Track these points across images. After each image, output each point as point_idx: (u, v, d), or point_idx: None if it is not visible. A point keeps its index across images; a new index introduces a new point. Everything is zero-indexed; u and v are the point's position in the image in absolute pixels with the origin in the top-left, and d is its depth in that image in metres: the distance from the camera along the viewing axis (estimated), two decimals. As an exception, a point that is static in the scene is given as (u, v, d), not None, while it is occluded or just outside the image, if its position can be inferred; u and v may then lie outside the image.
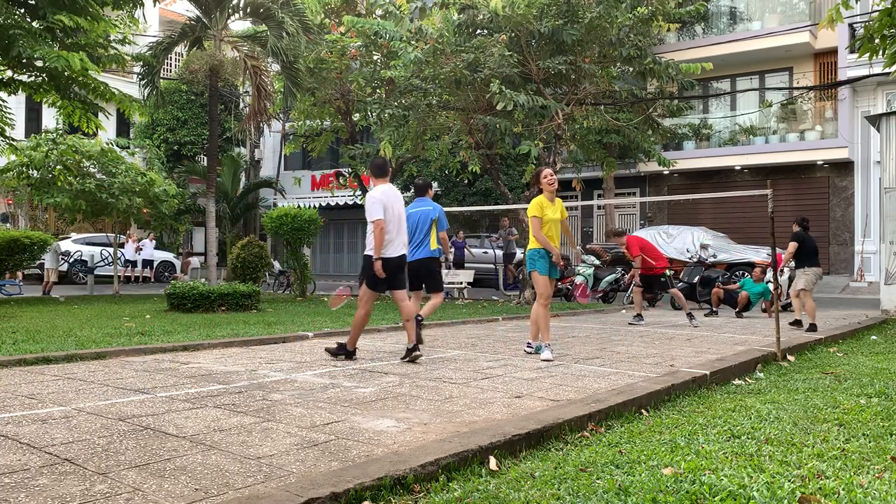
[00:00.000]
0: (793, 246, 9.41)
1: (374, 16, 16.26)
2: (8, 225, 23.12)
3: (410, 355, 6.18)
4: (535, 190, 6.72)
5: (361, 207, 23.06)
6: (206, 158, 24.60)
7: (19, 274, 18.16)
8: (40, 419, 3.84)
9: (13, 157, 14.49)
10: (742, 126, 21.21)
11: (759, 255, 15.84)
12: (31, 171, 14.75)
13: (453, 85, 12.94)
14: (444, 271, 17.12)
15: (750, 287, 11.93)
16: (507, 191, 15.05)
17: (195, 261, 26.12)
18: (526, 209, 8.07)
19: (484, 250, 20.48)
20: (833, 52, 19.69)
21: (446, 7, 13.32)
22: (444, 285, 16.39)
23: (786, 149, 20.13)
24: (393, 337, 8.34)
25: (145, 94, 16.33)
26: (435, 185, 24.03)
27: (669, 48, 20.99)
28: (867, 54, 8.45)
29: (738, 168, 21.08)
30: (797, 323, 9.44)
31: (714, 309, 12.03)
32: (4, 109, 13.05)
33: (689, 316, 10.04)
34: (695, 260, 13.99)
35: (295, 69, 15.36)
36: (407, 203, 7.16)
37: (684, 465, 3.06)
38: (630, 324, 10.14)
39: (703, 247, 14.59)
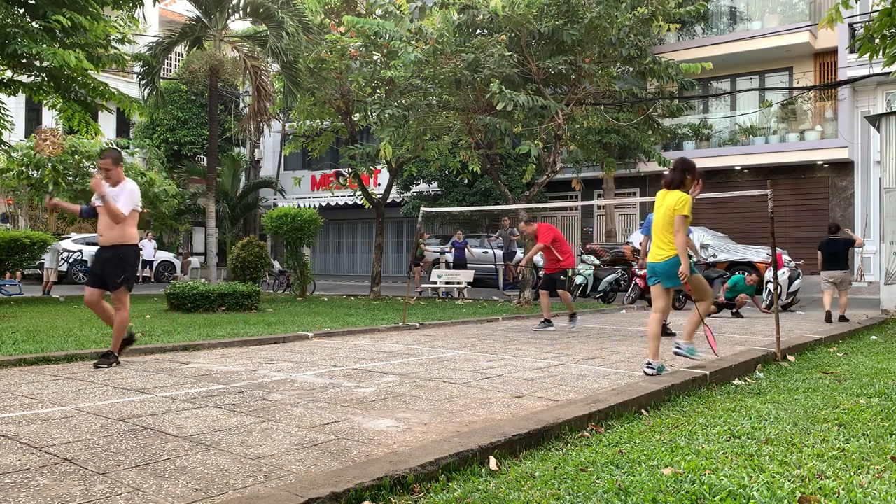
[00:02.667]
0: (819, 255, 11.07)
1: (374, 16, 16.25)
2: (8, 225, 23.12)
3: (107, 360, 5.79)
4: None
5: (361, 207, 23.00)
6: (206, 158, 24.61)
7: (18, 274, 18.17)
8: (40, 419, 3.84)
9: (11, 158, 14.48)
10: (742, 126, 21.21)
11: (759, 255, 15.84)
12: (30, 172, 14.74)
13: (453, 85, 12.94)
14: (444, 271, 17.20)
15: (743, 287, 11.99)
16: (507, 191, 15.03)
17: (195, 261, 26.13)
18: (526, 209, 8.13)
19: (484, 250, 20.49)
20: (833, 52, 19.69)
21: (446, 7, 13.32)
22: (445, 285, 16.56)
23: (786, 149, 20.14)
24: (393, 337, 8.34)
25: (145, 94, 16.33)
26: (434, 184, 24.15)
27: (669, 48, 20.99)
28: (867, 54, 8.45)
29: (738, 168, 21.08)
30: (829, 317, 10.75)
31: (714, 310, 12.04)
32: (3, 111, 13.04)
33: (545, 322, 9.38)
34: (695, 260, 13.99)
35: (295, 69, 15.36)
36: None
37: (684, 465, 3.05)
38: (535, 329, 9.23)
39: (703, 247, 14.59)
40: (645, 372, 5.39)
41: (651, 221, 6.23)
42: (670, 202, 5.57)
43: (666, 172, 5.65)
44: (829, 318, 10.58)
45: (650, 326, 5.52)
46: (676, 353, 5.81)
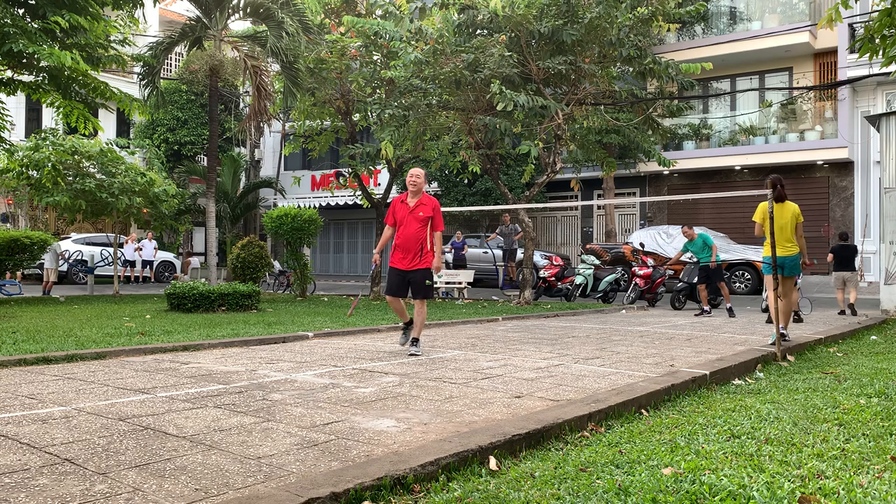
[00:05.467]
0: (831, 257, 12.61)
1: (374, 16, 16.26)
2: (8, 225, 23.13)
3: None
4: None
5: (361, 207, 23.00)
6: (206, 158, 24.60)
7: (18, 274, 18.16)
8: (40, 419, 3.84)
9: (11, 159, 14.47)
10: (742, 126, 21.22)
11: (758, 255, 15.86)
12: (30, 172, 14.74)
13: (453, 85, 12.94)
14: (444, 271, 17.19)
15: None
16: (507, 191, 15.03)
17: (195, 261, 26.14)
18: (526, 209, 8.23)
19: (484, 250, 20.49)
20: (833, 52, 19.70)
21: (446, 7, 13.32)
22: (445, 285, 16.57)
23: (786, 149, 20.14)
24: (393, 337, 8.34)
25: (145, 95, 16.33)
26: (435, 184, 24.16)
27: (669, 48, 21.00)
28: (867, 54, 8.45)
29: (738, 168, 21.08)
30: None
31: (706, 308, 12.06)
32: (3, 111, 13.02)
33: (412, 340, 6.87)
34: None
35: (295, 69, 15.36)
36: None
37: (684, 465, 3.06)
38: (412, 355, 6.65)
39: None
40: (783, 337, 7.20)
41: None
42: (795, 211, 7.48)
43: (770, 191, 7.06)
44: (842, 313, 12.10)
45: (772, 305, 7.18)
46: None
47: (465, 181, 22.25)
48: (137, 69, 18.90)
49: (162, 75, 20.05)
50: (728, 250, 16.77)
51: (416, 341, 6.65)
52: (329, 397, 4.54)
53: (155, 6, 17.46)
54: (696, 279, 13.07)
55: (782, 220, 7.44)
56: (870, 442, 3.50)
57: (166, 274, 23.75)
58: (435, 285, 16.57)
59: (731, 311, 11.72)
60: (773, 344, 6.92)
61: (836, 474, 2.96)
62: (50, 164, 14.17)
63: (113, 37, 13.87)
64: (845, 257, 12.54)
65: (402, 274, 6.58)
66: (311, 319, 9.95)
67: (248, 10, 16.63)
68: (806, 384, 5.20)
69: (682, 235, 17.38)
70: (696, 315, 11.91)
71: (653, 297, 14.32)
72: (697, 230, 15.49)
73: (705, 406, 4.45)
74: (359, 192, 18.15)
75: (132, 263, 22.68)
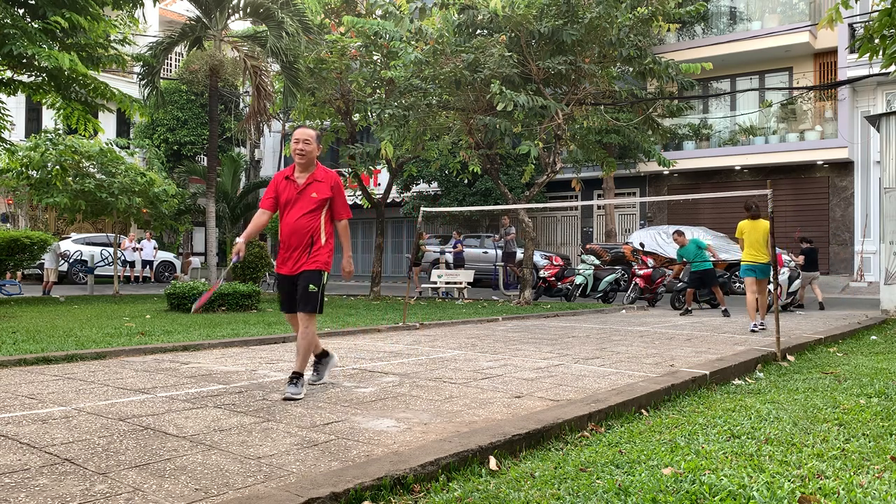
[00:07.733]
0: (801, 258, 13.81)
1: (374, 16, 16.25)
2: (8, 225, 23.12)
3: None
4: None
5: (361, 207, 22.90)
6: (206, 158, 24.60)
7: (18, 274, 18.16)
8: (40, 419, 3.84)
9: (13, 158, 14.47)
10: (742, 126, 21.22)
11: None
12: (30, 172, 14.73)
13: (453, 85, 12.94)
14: (444, 271, 17.19)
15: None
16: (507, 191, 15.03)
17: (195, 261, 26.14)
18: (526, 209, 8.31)
19: (483, 250, 20.49)
20: (833, 52, 19.70)
21: (446, 7, 13.32)
22: (445, 285, 16.58)
23: (786, 149, 20.14)
24: (393, 337, 8.34)
25: (145, 95, 16.33)
26: (434, 184, 24.18)
27: (669, 48, 21.00)
28: (867, 54, 8.45)
29: (738, 168, 21.08)
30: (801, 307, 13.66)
31: (689, 308, 12.14)
32: (3, 111, 13.02)
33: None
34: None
35: (295, 69, 15.36)
36: None
37: (684, 465, 3.05)
38: (287, 398, 4.74)
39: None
40: (752, 330, 8.88)
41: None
42: (766, 228, 8.59)
43: (750, 210, 8.91)
44: (822, 307, 13.41)
45: (748, 302, 9.02)
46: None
47: (465, 181, 22.25)
48: (137, 69, 18.89)
49: (162, 75, 20.04)
50: (727, 250, 16.77)
51: (296, 377, 4.49)
52: (329, 397, 4.54)
53: (155, 6, 17.47)
54: (688, 281, 13.12)
55: (756, 234, 8.83)
56: (870, 442, 3.50)
57: (166, 274, 23.75)
58: (435, 285, 16.72)
59: (726, 313, 11.80)
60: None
61: (836, 474, 2.96)
62: (50, 164, 14.17)
63: (113, 37, 13.86)
64: (813, 259, 13.92)
65: (291, 280, 4.75)
66: (311, 319, 9.93)
67: (248, 10, 16.62)
68: (806, 384, 5.20)
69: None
70: (680, 314, 12.03)
71: (653, 297, 14.32)
72: (691, 232, 15.74)
73: (705, 406, 4.45)
74: (359, 192, 18.15)
75: (132, 263, 22.68)
